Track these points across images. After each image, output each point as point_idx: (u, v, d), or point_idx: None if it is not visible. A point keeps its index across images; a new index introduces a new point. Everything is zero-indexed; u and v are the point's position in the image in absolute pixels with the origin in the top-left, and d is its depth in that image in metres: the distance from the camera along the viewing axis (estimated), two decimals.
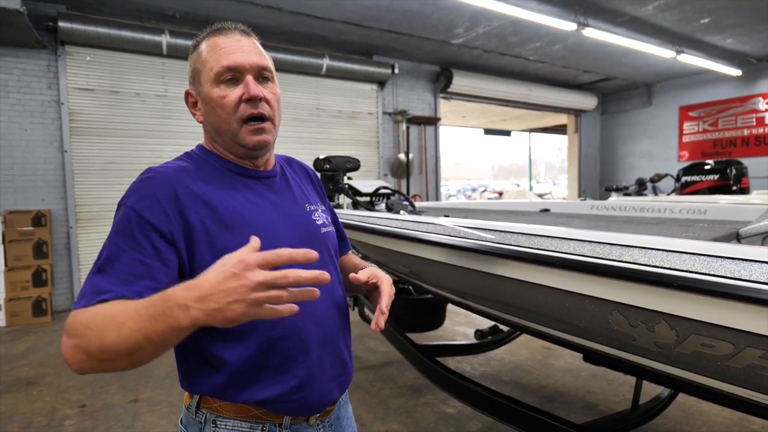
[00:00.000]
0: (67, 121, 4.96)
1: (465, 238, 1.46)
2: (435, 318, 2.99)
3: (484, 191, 22.11)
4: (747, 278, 0.92)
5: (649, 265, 1.07)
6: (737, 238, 1.86)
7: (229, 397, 0.80)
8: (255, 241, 0.62)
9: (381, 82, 7.16)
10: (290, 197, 0.94)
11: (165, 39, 5.20)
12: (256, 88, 0.84)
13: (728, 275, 0.94)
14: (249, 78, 0.84)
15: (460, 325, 4.31)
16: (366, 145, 7.16)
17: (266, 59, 0.88)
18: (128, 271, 0.72)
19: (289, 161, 1.06)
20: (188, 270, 0.77)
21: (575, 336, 1.50)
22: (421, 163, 7.76)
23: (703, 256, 1.00)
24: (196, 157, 0.89)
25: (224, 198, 0.83)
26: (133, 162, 5.31)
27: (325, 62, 6.31)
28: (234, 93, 0.83)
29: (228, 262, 0.59)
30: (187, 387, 0.85)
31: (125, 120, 5.28)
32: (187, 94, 0.91)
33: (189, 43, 5.52)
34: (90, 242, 5.15)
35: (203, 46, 0.87)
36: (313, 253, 0.61)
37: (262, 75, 0.87)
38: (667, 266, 1.05)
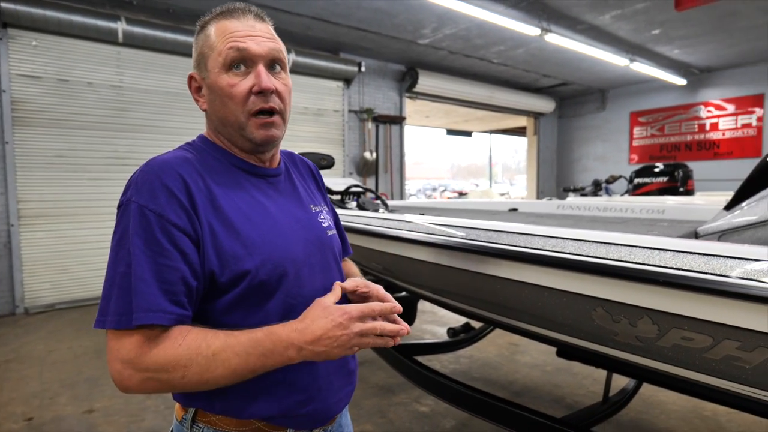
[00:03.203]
0: (9, 110, 4.59)
1: (453, 237, 1.46)
2: (408, 316, 2.99)
3: (444, 191, 22.46)
4: (729, 274, 0.96)
5: (636, 263, 1.10)
6: (695, 236, 1.97)
7: (230, 412, 0.75)
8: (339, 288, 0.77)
9: (347, 80, 7.10)
10: (296, 198, 0.89)
11: (121, 26, 4.92)
12: (268, 80, 0.77)
13: (713, 272, 0.98)
14: (261, 68, 0.78)
15: (428, 323, 4.34)
16: (332, 142, 7.09)
17: (280, 47, 0.82)
18: (162, 279, 0.66)
19: (292, 157, 1.00)
20: (201, 269, 0.72)
21: (555, 331, 1.53)
22: (386, 162, 7.77)
23: (689, 254, 1.03)
24: (199, 148, 0.82)
25: (230, 197, 0.77)
26: (83, 156, 4.99)
27: (291, 58, 6.19)
28: (244, 83, 0.77)
29: (334, 311, 0.68)
30: (180, 399, 0.79)
31: (75, 111, 4.95)
32: (191, 78, 0.83)
33: (147, 32, 5.25)
34: (35, 241, 4.80)
35: (212, 28, 0.80)
36: (398, 308, 0.75)
37: (274, 64, 0.81)
38: (652, 263, 1.08)
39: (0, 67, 4.54)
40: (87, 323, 4.41)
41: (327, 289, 0.85)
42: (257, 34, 0.78)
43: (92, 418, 2.59)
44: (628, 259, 1.12)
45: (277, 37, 0.83)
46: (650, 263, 1.07)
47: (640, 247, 1.13)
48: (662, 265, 1.05)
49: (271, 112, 0.80)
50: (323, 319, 0.67)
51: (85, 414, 2.64)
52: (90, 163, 5.03)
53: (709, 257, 1.01)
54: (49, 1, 4.59)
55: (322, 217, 0.91)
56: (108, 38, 4.96)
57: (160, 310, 0.65)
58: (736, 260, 0.96)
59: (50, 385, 3.01)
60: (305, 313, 0.69)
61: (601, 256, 1.16)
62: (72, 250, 4.98)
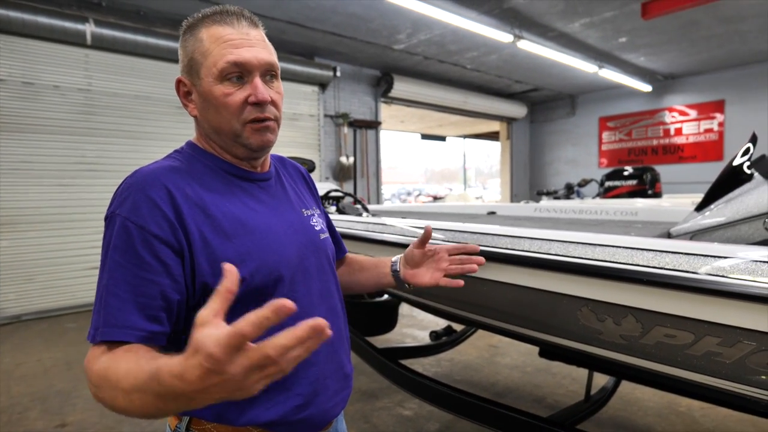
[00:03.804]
0: None
1: (438, 240, 1.47)
2: (389, 320, 2.99)
3: (419, 195, 22.60)
4: (707, 272, 1.00)
5: (620, 263, 1.13)
6: (669, 236, 2.04)
7: (226, 419, 0.74)
8: (230, 280, 0.49)
9: (323, 85, 7.08)
10: (287, 202, 0.88)
11: (89, 28, 4.77)
12: (264, 92, 0.76)
13: (694, 270, 1.02)
14: (257, 80, 0.77)
15: (408, 327, 4.35)
16: (307, 147, 7.04)
17: (274, 55, 0.81)
18: (139, 292, 0.64)
19: (282, 161, 0.99)
20: (190, 281, 0.70)
21: (540, 332, 1.55)
22: (362, 167, 7.77)
23: (670, 254, 1.07)
24: (188, 155, 0.81)
25: (221, 203, 0.75)
26: (50, 162, 4.79)
27: None
28: (239, 94, 0.76)
29: (202, 349, 0.44)
30: None
31: (41, 115, 4.76)
32: (179, 82, 0.81)
33: (117, 34, 5.08)
34: None
35: (204, 34, 0.77)
36: (288, 306, 0.45)
37: (269, 73, 0.80)
38: (636, 263, 1.11)
39: None
40: (56, 334, 4.23)
41: (323, 292, 0.84)
42: (252, 43, 0.77)
43: None
44: (612, 260, 1.15)
45: (269, 43, 0.82)
46: (634, 263, 1.11)
47: (622, 247, 1.16)
48: (646, 264, 1.09)
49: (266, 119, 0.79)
50: (193, 361, 0.45)
51: (57, 429, 2.52)
52: (57, 169, 4.84)
53: (690, 256, 1.05)
54: (13, 2, 4.41)
55: (314, 220, 0.91)
56: (76, 40, 4.80)
57: (128, 327, 0.64)
58: (714, 258, 1.00)
59: (19, 400, 2.87)
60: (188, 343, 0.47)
61: (585, 256, 1.19)
62: (38, 258, 4.77)
